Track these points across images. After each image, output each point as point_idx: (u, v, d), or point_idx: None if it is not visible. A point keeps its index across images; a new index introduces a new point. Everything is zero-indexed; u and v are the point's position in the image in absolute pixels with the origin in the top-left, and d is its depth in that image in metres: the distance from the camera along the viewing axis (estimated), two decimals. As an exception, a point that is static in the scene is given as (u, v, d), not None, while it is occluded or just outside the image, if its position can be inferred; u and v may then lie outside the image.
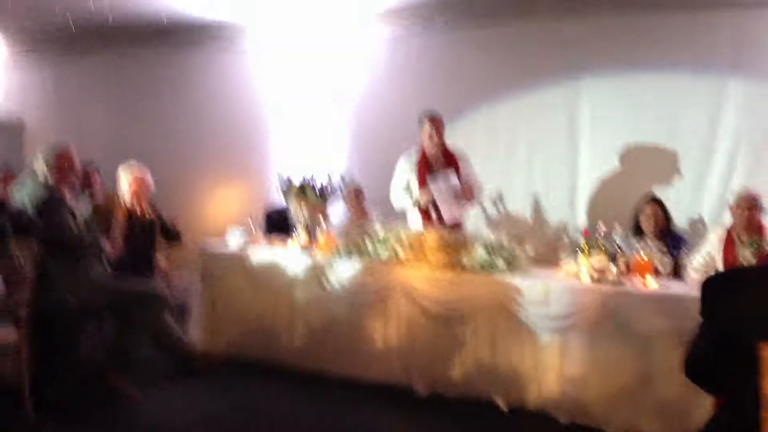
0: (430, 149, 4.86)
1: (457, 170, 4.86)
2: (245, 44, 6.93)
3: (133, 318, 4.03)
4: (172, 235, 4.84)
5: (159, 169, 5.06)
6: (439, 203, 4.69)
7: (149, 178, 4.70)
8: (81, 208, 4.50)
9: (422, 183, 4.80)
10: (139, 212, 4.56)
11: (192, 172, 7.12)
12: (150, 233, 4.68)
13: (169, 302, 4.20)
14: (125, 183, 4.62)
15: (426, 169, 4.84)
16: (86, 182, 6.14)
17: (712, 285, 1.71)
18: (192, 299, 4.72)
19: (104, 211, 4.54)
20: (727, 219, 4.40)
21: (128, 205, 4.59)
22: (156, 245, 4.80)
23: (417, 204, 4.78)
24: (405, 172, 4.93)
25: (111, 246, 4.25)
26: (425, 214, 4.78)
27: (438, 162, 4.89)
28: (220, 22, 6.91)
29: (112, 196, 4.71)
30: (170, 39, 7.16)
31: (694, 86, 5.23)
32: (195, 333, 4.60)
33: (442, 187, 4.72)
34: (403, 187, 4.89)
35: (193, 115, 7.17)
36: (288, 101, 6.75)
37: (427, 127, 4.83)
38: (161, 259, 4.99)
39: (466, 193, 4.80)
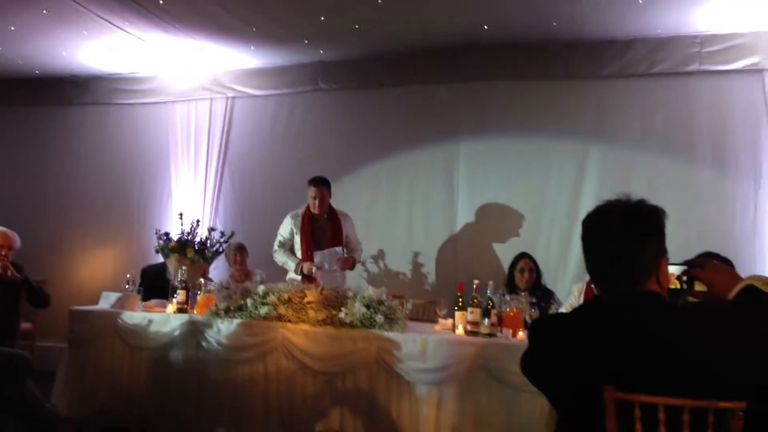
0: (316, 210, 4.96)
1: (340, 230, 4.99)
2: (122, 98, 6.84)
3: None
4: (38, 298, 4.58)
5: (30, 229, 4.84)
6: (319, 276, 4.78)
7: (16, 238, 4.46)
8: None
9: (306, 253, 4.92)
10: (1, 274, 4.29)
11: (66, 232, 6.85)
12: (13, 296, 4.41)
13: (32, 368, 3.94)
14: (-13, 243, 4.37)
15: (311, 233, 4.96)
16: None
17: (542, 326, 1.77)
18: (59, 365, 4.46)
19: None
20: (589, 273, 4.69)
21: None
22: (19, 308, 4.52)
23: (300, 272, 4.88)
24: (289, 231, 5.06)
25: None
26: (306, 277, 4.85)
27: (323, 223, 5.00)
28: (92, 75, 6.82)
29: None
30: (42, 94, 6.97)
31: (560, 150, 5.62)
32: (61, 401, 4.32)
33: (326, 263, 4.85)
34: (286, 246, 5.04)
35: (67, 172, 6.96)
36: (168, 157, 6.67)
37: (313, 189, 4.95)
38: (26, 323, 4.71)
39: (348, 263, 5.01)
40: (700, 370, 1.52)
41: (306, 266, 4.86)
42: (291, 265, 4.98)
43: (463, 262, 5.74)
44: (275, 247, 5.11)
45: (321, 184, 5.01)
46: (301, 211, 5.09)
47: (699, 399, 1.50)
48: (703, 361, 1.52)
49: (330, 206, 5.08)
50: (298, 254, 5.03)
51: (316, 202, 4.96)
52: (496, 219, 5.72)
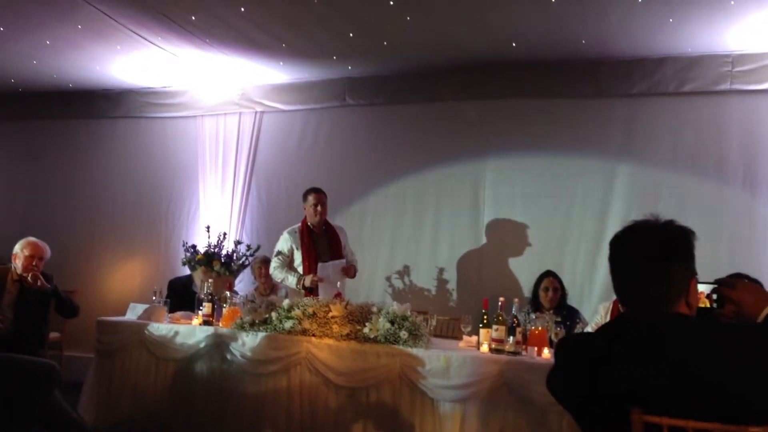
0: (314, 221, 4.99)
1: (339, 241, 5.05)
2: (153, 112, 6.95)
3: (20, 395, 3.80)
4: (67, 308, 4.63)
5: (60, 241, 4.90)
6: (321, 288, 4.77)
7: (46, 249, 4.53)
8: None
9: (309, 267, 4.91)
10: (31, 284, 4.35)
11: (95, 244, 6.95)
12: (43, 306, 4.46)
13: (60, 378, 3.99)
14: (19, 254, 4.43)
15: (312, 246, 4.97)
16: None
17: (569, 345, 1.76)
18: (86, 375, 4.51)
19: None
20: (616, 292, 4.64)
21: (21, 276, 4.38)
22: (48, 319, 4.58)
23: (303, 286, 4.86)
24: (288, 248, 5.06)
25: (-1, 318, 4.05)
26: (308, 290, 4.84)
27: (321, 235, 5.02)
28: (124, 89, 6.94)
29: (6, 267, 4.49)
30: (74, 107, 7.11)
31: (587, 168, 5.58)
32: (87, 411, 4.37)
33: (330, 273, 4.81)
34: (285, 263, 5.02)
35: (97, 184, 7.07)
36: (196, 170, 6.75)
37: (311, 199, 4.99)
38: (54, 333, 4.76)
39: (350, 272, 4.97)
40: (725, 394, 1.49)
41: (308, 279, 4.85)
42: (291, 279, 4.93)
43: (488, 279, 5.71)
44: (274, 264, 5.07)
45: (321, 191, 5.06)
46: (297, 226, 5.12)
47: (725, 423, 1.47)
48: (729, 385, 1.49)
49: (326, 219, 5.12)
50: (299, 270, 5.01)
51: (318, 208, 4.99)
52: (521, 237, 5.69)
